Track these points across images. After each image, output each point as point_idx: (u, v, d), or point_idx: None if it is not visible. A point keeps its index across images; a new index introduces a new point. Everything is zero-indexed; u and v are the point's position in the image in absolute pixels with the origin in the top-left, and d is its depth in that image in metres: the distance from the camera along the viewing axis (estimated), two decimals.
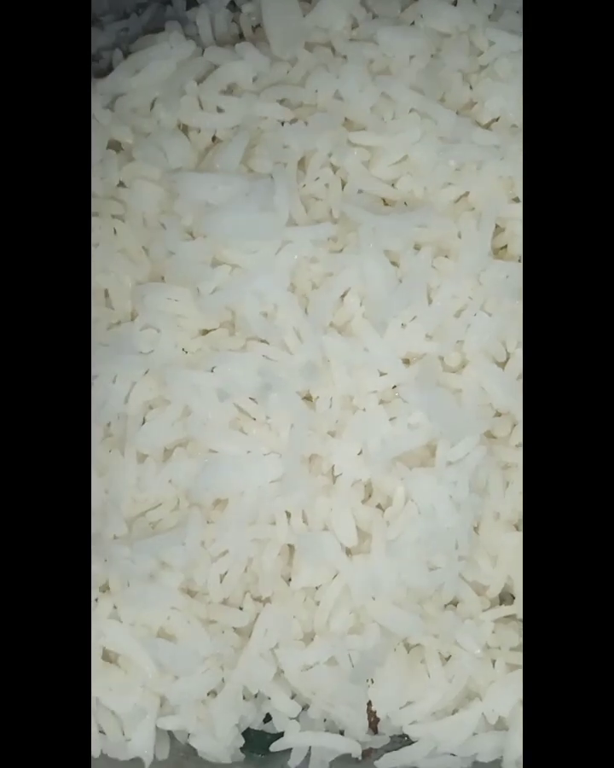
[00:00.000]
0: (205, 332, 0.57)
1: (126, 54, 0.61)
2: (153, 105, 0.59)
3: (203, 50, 0.59)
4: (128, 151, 0.58)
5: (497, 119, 0.60)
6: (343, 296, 0.57)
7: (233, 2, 0.63)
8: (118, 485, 0.56)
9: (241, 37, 0.63)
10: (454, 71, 0.60)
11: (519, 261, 0.59)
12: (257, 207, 0.54)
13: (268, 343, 0.56)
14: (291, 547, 0.58)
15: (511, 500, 0.59)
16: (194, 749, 0.57)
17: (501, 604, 0.60)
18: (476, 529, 0.59)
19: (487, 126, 0.60)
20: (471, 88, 0.60)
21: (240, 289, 0.55)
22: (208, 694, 0.57)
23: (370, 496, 0.59)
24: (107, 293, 0.59)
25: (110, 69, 0.60)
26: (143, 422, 0.57)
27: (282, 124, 0.57)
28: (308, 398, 0.57)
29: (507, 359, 0.58)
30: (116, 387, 0.57)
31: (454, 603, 0.60)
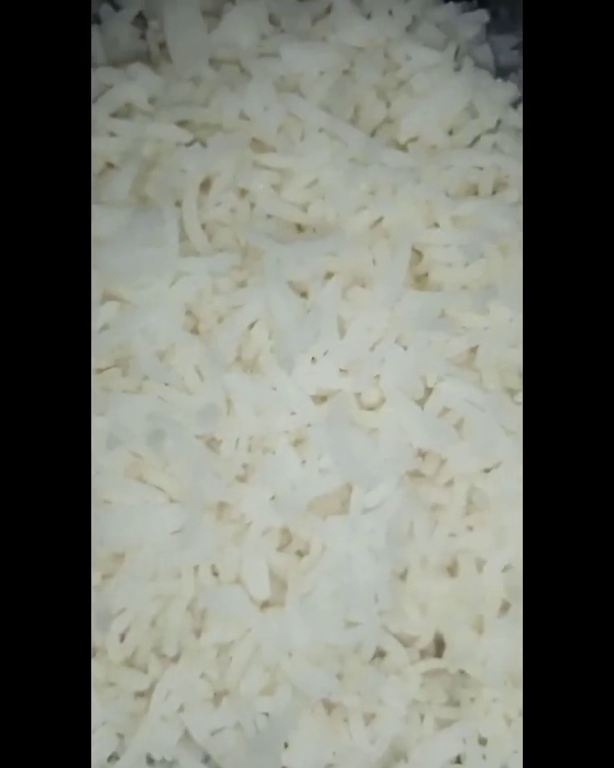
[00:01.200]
0: (98, 372, 0.53)
1: None
2: None
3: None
4: None
5: (415, 139, 0.57)
6: (248, 330, 0.54)
7: (140, 18, 0.60)
8: None
9: (149, 54, 0.60)
10: (367, 87, 0.57)
11: (439, 290, 0.55)
12: (144, 240, 0.51)
13: (166, 384, 0.52)
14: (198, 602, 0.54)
15: (440, 543, 0.55)
16: None
17: (430, 656, 0.56)
18: (402, 576, 0.55)
19: (404, 146, 0.57)
20: (386, 106, 0.57)
21: (131, 327, 0.51)
22: (109, 759, 0.53)
23: (289, 542, 0.55)
24: None
25: None
26: None
27: (179, 146, 0.54)
28: (212, 441, 0.54)
29: (427, 395, 0.55)
30: None
31: (381, 655, 0.56)
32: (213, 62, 0.57)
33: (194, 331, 0.53)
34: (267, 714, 0.53)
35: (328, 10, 0.58)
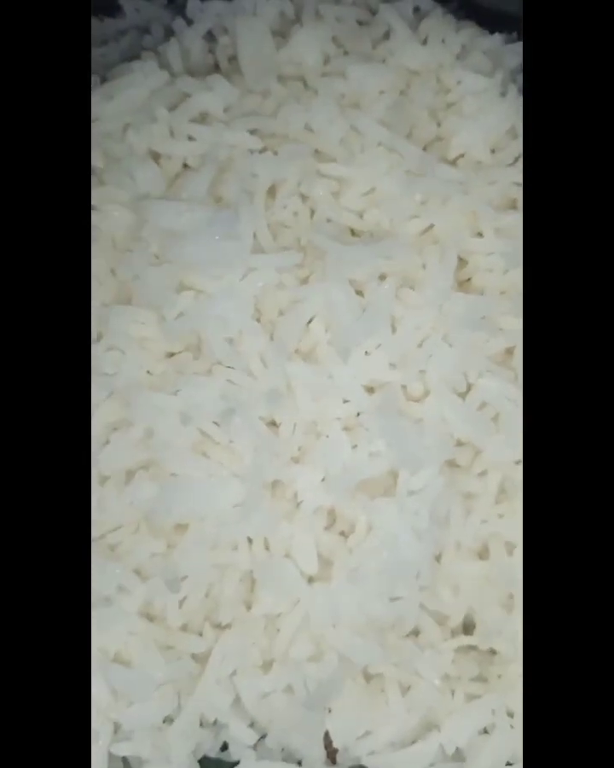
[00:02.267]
0: (171, 355, 0.57)
1: (103, 80, 0.62)
2: (125, 131, 0.60)
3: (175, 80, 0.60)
4: (99, 175, 0.59)
5: (463, 156, 0.62)
6: (308, 323, 0.58)
7: (211, 33, 0.65)
8: None
9: (217, 67, 0.64)
10: (421, 107, 0.62)
11: (482, 294, 0.60)
12: (220, 235, 0.55)
13: (233, 368, 0.56)
14: (252, 573, 0.57)
15: (472, 529, 0.59)
16: None
17: (461, 634, 0.60)
18: (438, 558, 0.59)
19: (453, 162, 0.62)
20: (438, 124, 0.62)
21: (204, 314, 0.55)
22: (164, 720, 0.56)
23: (334, 522, 0.59)
24: None
25: None
26: (106, 444, 0.56)
27: (252, 153, 0.59)
28: (272, 423, 0.58)
29: (468, 390, 0.59)
30: None
31: (416, 633, 0.60)
32: (281, 78, 0.61)
33: (260, 321, 0.57)
34: (313, 680, 0.56)
35: (387, 36, 0.63)
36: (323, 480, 0.57)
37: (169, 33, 0.65)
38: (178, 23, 0.65)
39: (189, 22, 0.65)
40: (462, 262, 0.60)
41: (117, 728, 0.56)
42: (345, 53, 0.62)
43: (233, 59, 0.63)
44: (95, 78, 0.62)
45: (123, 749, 0.56)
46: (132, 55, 0.64)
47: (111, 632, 0.54)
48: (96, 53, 0.67)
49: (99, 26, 0.70)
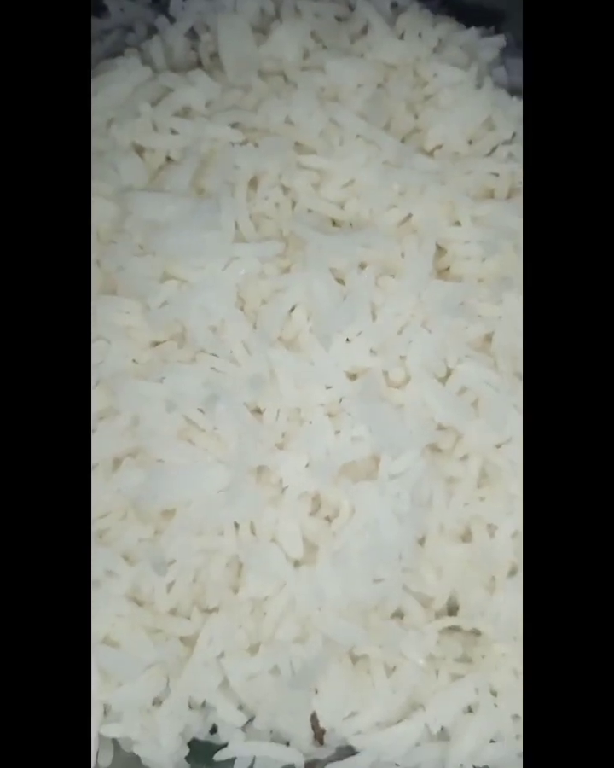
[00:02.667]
0: (155, 344, 0.58)
1: None
2: (109, 125, 0.61)
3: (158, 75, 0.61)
4: None
5: (440, 147, 0.63)
6: (290, 311, 0.59)
7: (193, 30, 0.66)
8: None
9: (199, 63, 0.65)
10: (399, 100, 0.63)
11: (460, 282, 0.61)
12: (202, 226, 0.56)
13: (216, 356, 0.57)
14: (238, 558, 0.58)
15: (454, 513, 0.60)
16: (138, 758, 0.57)
17: (445, 615, 0.61)
18: (421, 541, 0.60)
19: (430, 153, 0.63)
20: (415, 117, 0.63)
21: (188, 304, 0.56)
22: (153, 703, 0.57)
23: (319, 507, 0.60)
24: None
25: None
26: (93, 432, 0.57)
27: (233, 145, 0.60)
28: (256, 410, 0.59)
29: (448, 375, 0.60)
30: None
31: (400, 615, 0.61)
32: (261, 73, 0.63)
33: (243, 310, 0.58)
34: (299, 660, 0.57)
35: (365, 31, 0.64)
36: (307, 465, 0.58)
37: (152, 31, 0.66)
38: (161, 21, 0.66)
39: (172, 20, 0.66)
40: (441, 250, 0.61)
41: (106, 710, 0.57)
42: (324, 48, 0.63)
43: (214, 55, 0.65)
44: None
45: (112, 730, 0.57)
46: (116, 52, 0.65)
47: (99, 615, 0.55)
48: None
49: None
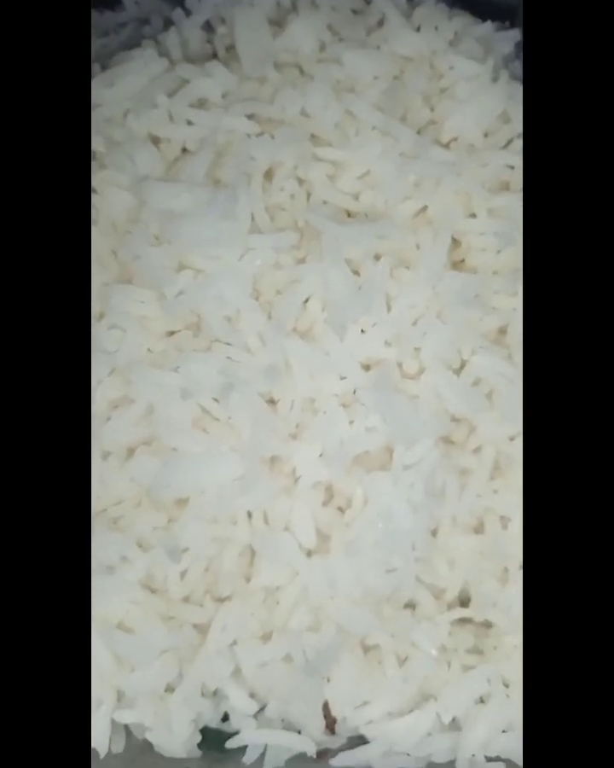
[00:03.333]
0: (171, 333, 0.59)
1: (104, 68, 0.64)
2: (125, 116, 0.61)
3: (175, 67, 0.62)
4: (100, 159, 0.61)
5: (456, 139, 0.63)
6: (305, 302, 0.59)
7: (209, 24, 0.67)
8: None
9: (215, 55, 0.66)
10: (415, 92, 0.63)
11: (475, 274, 0.61)
12: (219, 216, 0.56)
13: (231, 345, 0.58)
14: (251, 547, 0.59)
15: (467, 504, 0.60)
16: (151, 744, 0.58)
17: (458, 606, 0.61)
18: (434, 533, 0.60)
19: (446, 145, 0.63)
20: (431, 109, 0.63)
21: (203, 293, 0.57)
22: (166, 690, 0.58)
23: (332, 497, 0.60)
24: None
25: None
26: (108, 420, 0.58)
27: (249, 137, 0.60)
28: (270, 400, 0.59)
29: (462, 366, 0.60)
30: None
31: (412, 605, 0.61)
32: (277, 65, 0.63)
33: (258, 300, 0.59)
34: (311, 648, 0.57)
35: (380, 23, 0.65)
36: (321, 455, 0.58)
37: (168, 24, 0.67)
38: (177, 14, 0.66)
39: (188, 13, 0.66)
40: (456, 242, 0.61)
41: (120, 696, 0.57)
42: (340, 40, 0.63)
43: (230, 48, 0.65)
44: (96, 67, 0.63)
45: (125, 716, 0.57)
46: (132, 45, 0.66)
47: (113, 601, 0.56)
48: (98, 43, 0.69)
49: (100, 18, 0.72)
